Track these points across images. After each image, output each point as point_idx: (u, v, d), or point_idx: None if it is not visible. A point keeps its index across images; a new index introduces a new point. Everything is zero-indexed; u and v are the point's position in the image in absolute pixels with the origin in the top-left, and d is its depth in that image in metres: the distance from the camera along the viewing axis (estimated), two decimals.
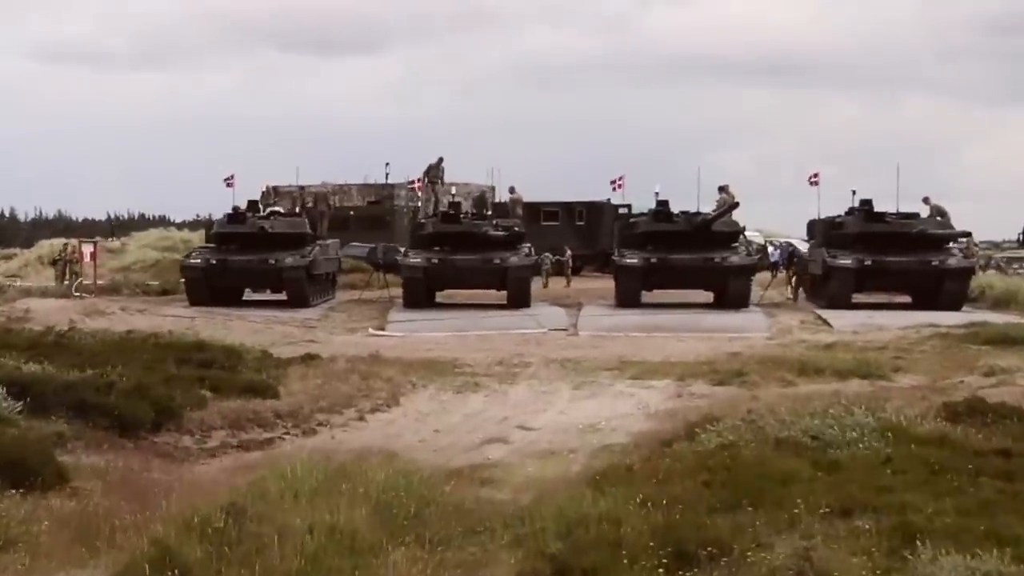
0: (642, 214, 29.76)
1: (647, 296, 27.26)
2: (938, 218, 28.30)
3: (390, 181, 41.96)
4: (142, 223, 68.57)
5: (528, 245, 28.32)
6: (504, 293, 27.34)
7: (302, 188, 36.94)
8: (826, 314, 25.25)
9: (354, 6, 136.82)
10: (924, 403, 12.80)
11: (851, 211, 28.10)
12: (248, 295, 29.00)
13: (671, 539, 7.39)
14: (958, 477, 8.70)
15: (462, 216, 29.03)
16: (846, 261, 26.54)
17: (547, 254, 33.61)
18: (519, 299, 26.97)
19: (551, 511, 8.08)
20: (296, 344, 21.50)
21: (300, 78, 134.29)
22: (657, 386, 16.77)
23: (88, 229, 63.68)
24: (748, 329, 23.59)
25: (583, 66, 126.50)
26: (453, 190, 33.69)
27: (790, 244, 35.01)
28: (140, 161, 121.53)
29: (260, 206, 30.35)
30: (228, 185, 31.47)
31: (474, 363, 19.01)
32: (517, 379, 17.65)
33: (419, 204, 36.34)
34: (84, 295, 29.12)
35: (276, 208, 31.72)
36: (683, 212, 27.99)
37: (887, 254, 26.50)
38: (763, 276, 30.61)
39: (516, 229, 28.41)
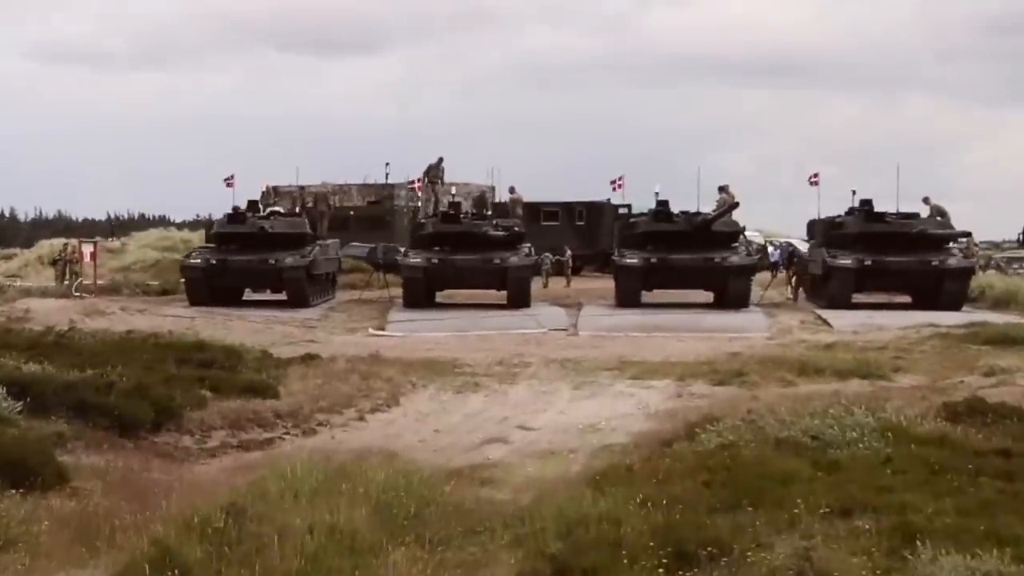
0: (642, 214, 29.76)
1: (647, 296, 27.25)
2: (938, 218, 28.29)
3: (390, 181, 41.97)
4: (142, 223, 68.58)
5: (528, 245, 28.31)
6: (504, 293, 27.33)
7: (302, 188, 36.94)
8: (826, 314, 25.25)
9: (354, 6, 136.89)
10: (924, 403, 12.79)
11: (851, 211, 28.10)
12: (248, 295, 29.00)
13: (671, 539, 7.39)
14: (958, 477, 8.70)
15: (462, 216, 29.02)
16: (846, 261, 26.53)
17: (547, 254, 33.61)
18: (519, 299, 26.96)
19: (551, 511, 8.08)
20: (296, 344, 21.50)
21: (300, 78, 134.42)
22: (657, 386, 16.76)
23: (88, 229, 63.68)
24: (748, 329, 23.59)
25: (583, 66, 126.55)
26: (453, 190, 33.69)
27: (790, 244, 35.01)
28: (140, 161, 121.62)
29: (260, 206, 30.35)
30: (228, 185, 31.49)
31: (474, 363, 19.00)
32: (517, 379, 17.65)
33: (419, 204, 36.33)
34: (84, 295, 29.12)
35: (276, 208, 31.73)
36: (683, 212, 27.98)
37: (887, 254, 26.49)
38: (763, 276, 30.61)
39: (516, 229, 28.40)
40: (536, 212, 37.18)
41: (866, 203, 27.92)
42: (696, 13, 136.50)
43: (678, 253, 26.67)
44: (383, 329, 24.54)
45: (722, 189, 29.87)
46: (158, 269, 37.53)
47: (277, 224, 28.31)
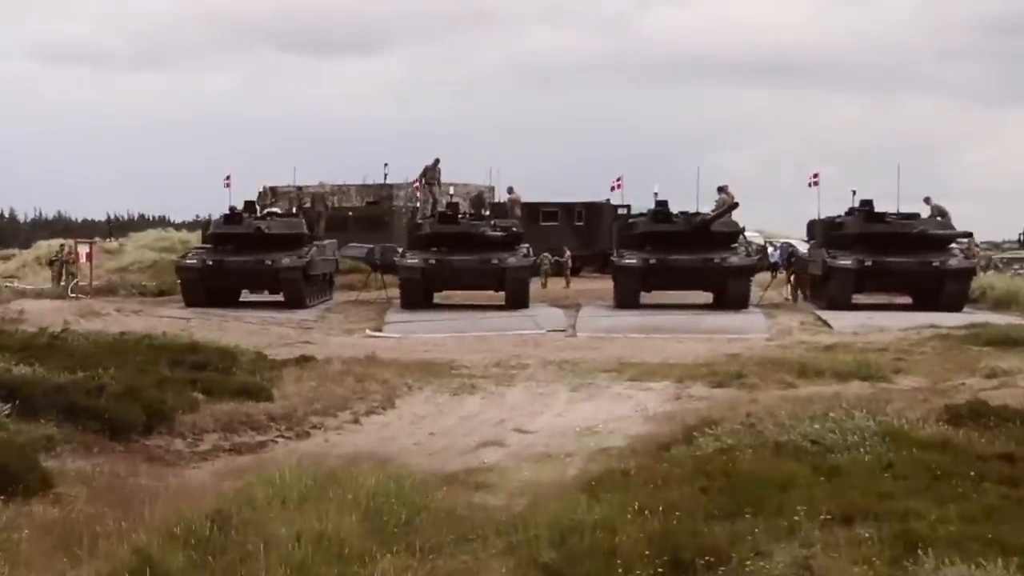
0: (641, 214, 29.63)
1: (646, 297, 27.11)
2: (938, 218, 28.13)
3: (389, 181, 41.85)
4: (142, 223, 68.54)
5: (526, 246, 28.19)
6: (502, 294, 27.17)
7: (299, 189, 36.80)
8: (826, 315, 25.11)
9: (354, 6, 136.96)
10: (925, 405, 12.65)
11: (851, 211, 27.96)
12: (245, 296, 28.87)
13: (667, 547, 7.22)
14: (961, 483, 8.52)
15: (460, 217, 28.87)
16: (846, 262, 26.39)
17: (546, 254, 33.46)
18: (517, 300, 26.82)
19: (545, 518, 7.91)
20: (292, 345, 21.37)
21: (300, 78, 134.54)
22: (655, 388, 16.61)
23: (87, 230, 63.63)
24: (747, 330, 23.44)
25: (583, 66, 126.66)
26: (451, 190, 33.52)
27: (789, 244, 34.85)
28: (140, 161, 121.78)
29: (257, 207, 30.21)
30: (226, 186, 31.33)
31: (471, 365, 18.85)
32: (514, 381, 17.49)
33: (418, 205, 36.17)
34: (80, 296, 28.96)
35: (274, 209, 31.58)
36: (682, 212, 27.84)
37: (887, 255, 26.35)
38: (763, 277, 30.47)
39: (514, 229, 28.27)
40: (535, 212, 37.04)
41: (866, 203, 27.78)
42: (696, 13, 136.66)
43: (677, 254, 26.52)
44: (380, 330, 24.39)
45: (721, 189, 29.71)
46: (156, 270, 37.41)
47: (273, 225, 28.17)
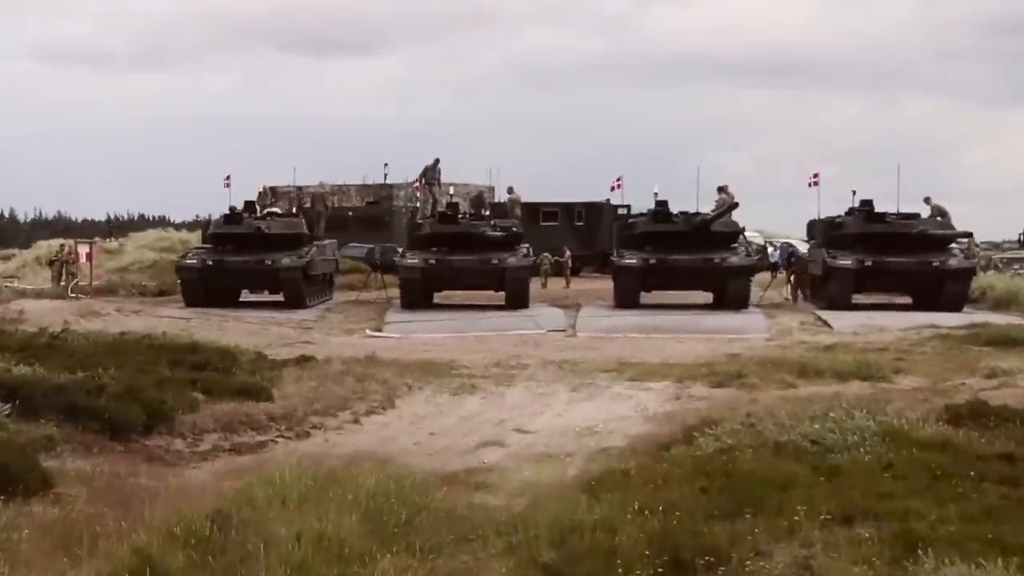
0: (641, 214, 29.61)
1: (646, 297, 27.09)
2: (938, 218, 28.11)
3: (389, 181, 41.83)
4: (142, 224, 68.52)
5: (526, 245, 28.17)
6: (502, 294, 27.16)
7: (299, 188, 36.77)
8: (826, 315, 25.10)
9: (354, 6, 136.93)
10: (925, 405, 12.64)
11: (851, 211, 27.95)
12: (245, 296, 28.86)
13: (667, 547, 7.21)
14: (961, 483, 8.51)
15: (460, 217, 28.85)
16: (846, 262, 26.38)
17: (546, 254, 33.44)
18: (517, 300, 26.80)
19: (545, 518, 7.89)
20: (292, 345, 21.35)
21: (300, 78, 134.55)
22: (655, 388, 16.60)
23: (87, 230, 63.61)
24: (747, 330, 23.42)
25: (583, 66, 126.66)
26: (451, 190, 33.50)
27: (789, 244, 34.84)
28: (140, 161, 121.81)
29: (257, 207, 30.20)
30: (225, 186, 31.32)
31: (471, 365, 18.84)
32: (514, 381, 17.48)
33: (418, 205, 36.18)
34: (80, 296, 28.95)
35: (274, 209, 31.57)
36: (682, 212, 27.82)
37: (887, 255, 26.34)
38: (763, 277, 30.45)
39: (514, 229, 28.25)
40: (535, 212, 37.03)
41: (866, 203, 27.76)
42: (696, 13, 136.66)
43: (677, 254, 26.50)
44: (380, 330, 24.38)
45: (721, 189, 29.70)
46: (156, 270, 37.40)
47: (273, 225, 28.16)
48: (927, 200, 29.02)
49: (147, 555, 6.64)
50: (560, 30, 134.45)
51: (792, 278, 30.04)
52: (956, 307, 25.44)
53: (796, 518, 7.76)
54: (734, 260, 26.65)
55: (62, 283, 31.21)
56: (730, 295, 26.38)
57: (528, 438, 13.34)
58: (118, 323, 23.18)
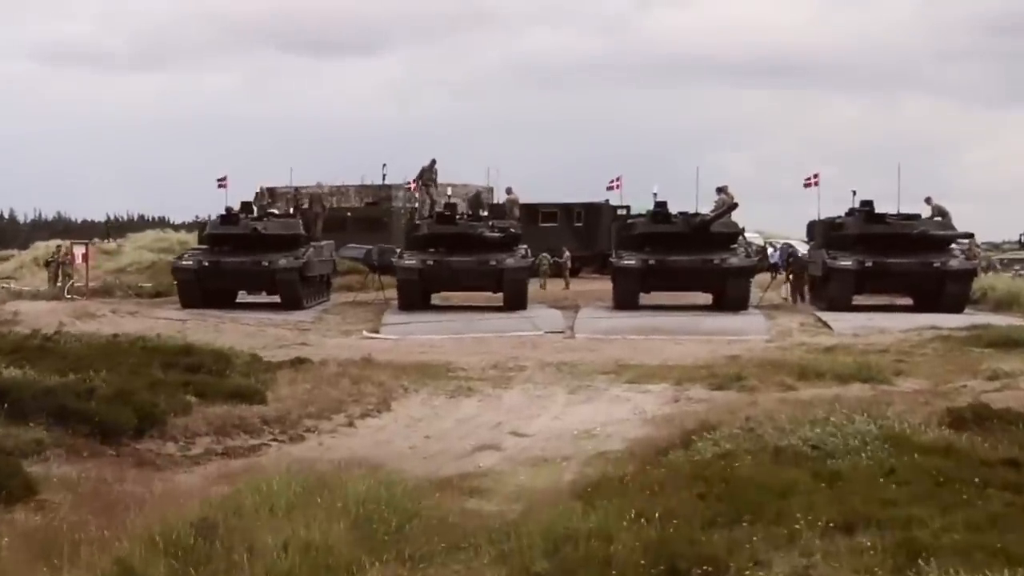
0: (640, 215, 29.47)
1: (645, 298, 26.94)
2: (939, 218, 27.95)
3: (387, 182, 41.74)
4: (141, 224, 68.40)
5: (524, 246, 28.01)
6: (500, 295, 27.00)
7: (297, 189, 36.64)
8: (826, 316, 24.97)
9: (354, 6, 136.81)
10: (927, 408, 12.48)
11: (851, 212, 27.81)
12: (242, 297, 28.72)
13: (664, 556, 7.03)
14: (965, 489, 8.32)
15: (458, 217, 28.69)
16: (846, 263, 26.24)
17: (545, 255, 33.29)
18: (515, 301, 26.65)
19: (539, 526, 7.71)
20: (288, 347, 21.20)
21: (300, 79, 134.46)
22: (654, 390, 16.45)
23: (87, 230, 63.52)
24: (747, 332, 23.27)
25: (583, 66, 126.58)
26: (449, 191, 33.36)
27: (789, 245, 34.71)
28: (139, 162, 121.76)
29: (254, 207, 30.04)
30: (220, 186, 31.14)
31: (468, 367, 18.69)
32: (512, 383, 17.33)
33: (416, 206, 36.05)
34: (76, 297, 28.79)
35: (272, 210, 31.40)
36: (681, 213, 27.69)
37: (888, 255, 26.20)
38: (762, 278, 30.31)
39: (512, 230, 28.11)
40: (534, 213, 36.92)
41: (867, 204, 27.62)
42: (696, 14, 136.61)
43: (676, 255, 26.36)
44: (377, 332, 24.23)
45: (720, 190, 29.53)
46: (154, 271, 37.30)
47: (270, 225, 28.02)
48: (928, 200, 28.87)
49: (128, 565, 6.47)
50: (560, 30, 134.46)
51: (791, 278, 29.90)
52: (957, 308, 25.30)
53: (796, 526, 7.59)
54: (734, 261, 26.51)
55: (58, 284, 31.04)
56: (729, 296, 26.23)
57: (524, 441, 13.19)
58: (113, 325, 23.02)
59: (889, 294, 28.32)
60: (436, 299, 28.36)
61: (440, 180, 33.98)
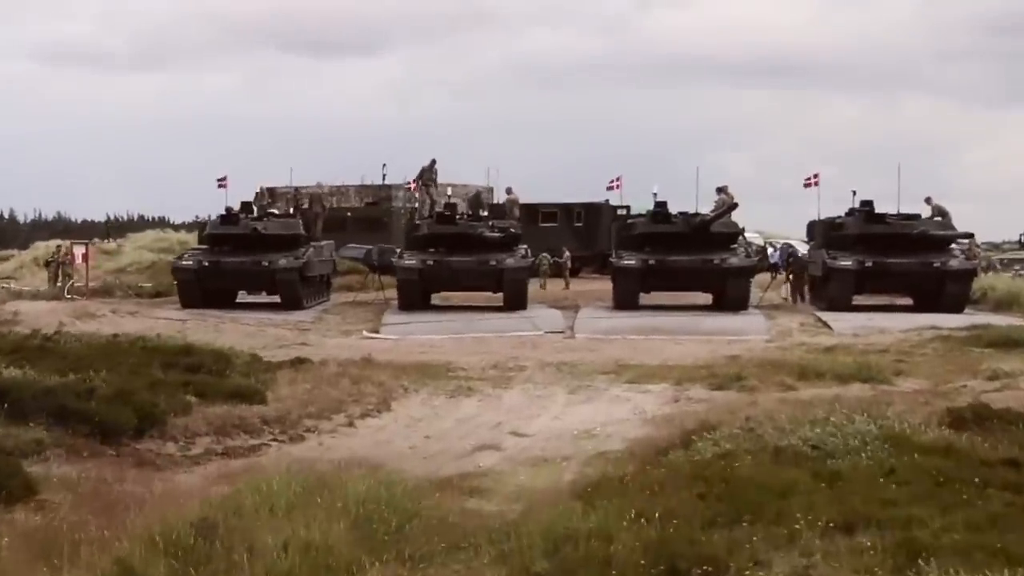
0: (640, 215, 29.46)
1: (645, 298, 26.93)
2: (938, 218, 27.93)
3: (387, 182, 41.72)
4: (141, 224, 68.37)
5: (524, 246, 28.00)
6: (500, 295, 26.99)
7: (297, 189, 36.63)
8: (826, 316, 24.96)
9: (354, 6, 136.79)
10: (927, 408, 12.47)
11: (851, 212, 27.80)
12: (242, 297, 28.71)
13: (664, 556, 7.02)
14: (965, 489, 8.31)
15: (458, 217, 28.68)
16: (846, 263, 26.22)
17: (545, 255, 33.28)
18: (515, 301, 26.64)
19: (539, 526, 7.70)
20: (288, 347, 21.19)
21: (300, 79, 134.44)
22: (654, 390, 16.44)
23: (87, 230, 63.50)
24: (747, 332, 23.26)
25: (583, 67, 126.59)
26: (449, 191, 33.36)
27: (789, 245, 34.71)
28: (140, 162, 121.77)
29: (254, 207, 30.03)
30: (220, 186, 31.14)
31: (468, 367, 18.68)
32: (512, 383, 17.32)
33: (416, 206, 36.05)
34: (76, 297, 28.78)
35: (272, 210, 31.40)
36: (681, 213, 27.68)
37: (888, 255, 26.19)
38: (762, 278, 30.29)
39: (512, 230, 28.10)
40: (534, 213, 36.91)
41: (867, 204, 27.61)
42: (696, 14, 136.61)
43: (676, 255, 26.34)
44: (377, 332, 24.22)
45: (720, 190, 29.52)
46: (154, 271, 37.30)
47: (270, 225, 28.01)
48: (928, 200, 28.86)
49: (128, 565, 6.46)
50: (560, 30, 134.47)
51: (790, 278, 29.90)
52: (957, 308, 25.30)
53: (796, 526, 7.58)
54: (734, 261, 26.49)
55: (58, 284, 31.04)
56: (729, 296, 26.22)
57: (524, 441, 13.19)
58: (113, 325, 23.02)
59: (889, 294, 28.31)
60: (436, 299, 28.35)
61: (440, 180, 33.99)
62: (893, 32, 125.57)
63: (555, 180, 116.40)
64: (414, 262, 26.95)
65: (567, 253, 34.85)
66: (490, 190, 41.41)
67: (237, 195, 31.05)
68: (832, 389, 15.21)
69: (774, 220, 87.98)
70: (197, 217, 59.97)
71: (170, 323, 24.01)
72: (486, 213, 30.85)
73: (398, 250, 29.12)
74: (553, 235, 36.49)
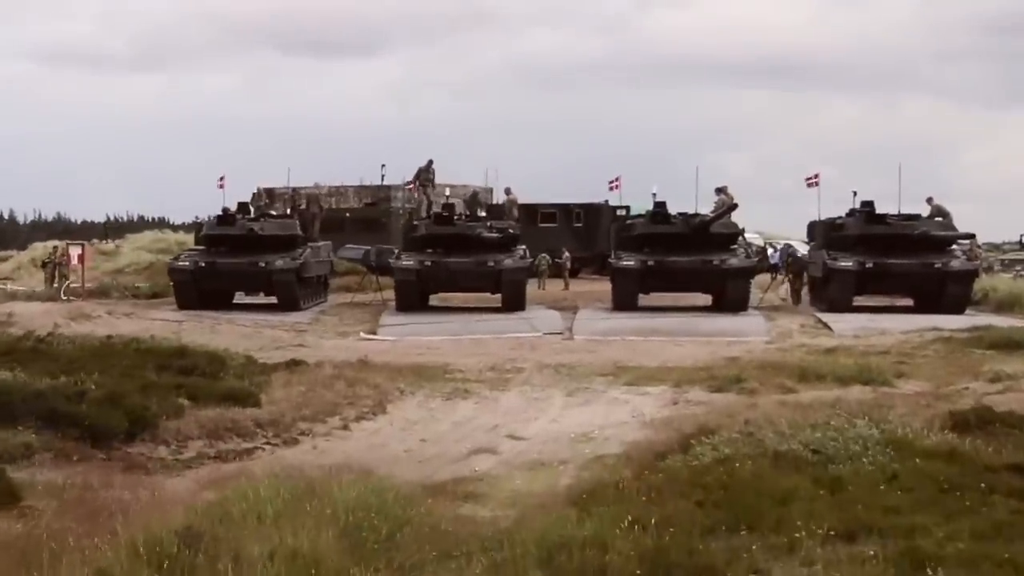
0: (640, 216, 29.30)
1: (644, 299, 26.77)
2: (939, 219, 27.77)
3: (386, 183, 41.52)
4: (141, 225, 68.15)
5: (523, 247, 27.83)
6: (498, 296, 26.82)
7: (295, 190, 36.46)
8: (826, 317, 24.80)
9: (354, 7, 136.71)
10: (929, 411, 12.29)
11: (852, 212, 27.65)
12: (239, 298, 28.55)
13: (660, 566, 6.85)
14: (969, 496, 8.14)
15: (456, 218, 28.51)
16: (847, 263, 26.07)
17: (544, 256, 33.11)
18: (513, 302, 26.48)
19: (533, 534, 7.52)
20: (284, 349, 21.03)
21: (300, 79, 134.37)
22: (653, 393, 16.28)
23: (86, 231, 63.34)
24: (747, 333, 23.10)
25: (583, 67, 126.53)
26: (447, 191, 33.20)
27: (789, 246, 34.55)
28: (139, 162, 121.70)
29: (251, 208, 29.88)
30: (219, 186, 30.99)
31: (465, 368, 18.52)
32: (509, 385, 17.16)
33: (414, 206, 35.89)
34: (72, 298, 28.62)
35: (270, 211, 31.24)
36: (681, 214, 27.53)
37: (888, 256, 26.03)
38: (762, 278, 30.13)
39: (511, 231, 27.94)
40: (533, 213, 36.75)
41: (867, 204, 27.47)
42: (696, 14, 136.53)
43: (676, 255, 26.19)
44: (374, 333, 24.06)
45: (720, 190, 29.37)
46: (152, 272, 37.06)
47: (267, 226, 27.85)
48: (929, 200, 28.71)
49: (110, 575, 6.28)
50: (560, 30, 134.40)
51: (790, 279, 29.75)
52: (958, 309, 25.14)
53: (796, 534, 7.42)
54: (733, 262, 26.34)
55: (55, 285, 30.87)
56: (729, 297, 26.06)
57: (521, 445, 13.01)
58: (108, 326, 22.87)
59: (890, 295, 28.14)
60: (434, 300, 28.18)
61: (439, 180, 33.84)
62: (892, 32, 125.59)
63: (554, 180, 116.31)
64: (412, 263, 26.79)
65: (566, 254, 34.69)
66: (489, 190, 41.23)
67: (236, 195, 30.96)
68: (833, 391, 15.03)
69: (774, 220, 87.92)
70: (197, 218, 59.76)
71: (166, 324, 23.85)
72: (484, 213, 30.69)
73: (396, 251, 28.95)
74: (552, 236, 36.31)
